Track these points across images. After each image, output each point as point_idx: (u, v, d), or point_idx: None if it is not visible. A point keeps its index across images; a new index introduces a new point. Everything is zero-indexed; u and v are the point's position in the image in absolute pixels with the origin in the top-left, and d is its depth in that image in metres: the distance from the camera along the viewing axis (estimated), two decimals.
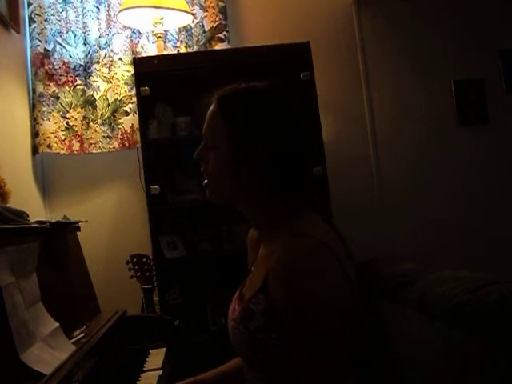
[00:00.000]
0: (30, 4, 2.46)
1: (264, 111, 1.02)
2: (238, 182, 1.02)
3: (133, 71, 2.32)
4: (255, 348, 0.97)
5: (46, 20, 2.46)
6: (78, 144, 2.46)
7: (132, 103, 2.46)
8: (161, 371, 1.49)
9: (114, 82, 2.48)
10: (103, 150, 2.47)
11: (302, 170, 1.05)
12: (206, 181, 1.07)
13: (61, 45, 2.48)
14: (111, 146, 2.47)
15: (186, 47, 2.53)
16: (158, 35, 2.39)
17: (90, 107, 2.47)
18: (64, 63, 2.47)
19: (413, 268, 1.14)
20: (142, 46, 2.53)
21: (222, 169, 1.02)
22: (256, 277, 1.04)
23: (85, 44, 2.49)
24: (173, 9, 2.32)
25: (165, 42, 2.49)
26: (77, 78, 2.48)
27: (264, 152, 1.00)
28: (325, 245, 0.92)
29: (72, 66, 2.49)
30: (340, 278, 0.93)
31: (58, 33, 2.48)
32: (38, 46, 2.43)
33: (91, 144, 2.46)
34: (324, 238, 0.93)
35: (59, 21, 2.49)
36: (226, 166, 1.02)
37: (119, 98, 2.47)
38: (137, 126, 2.40)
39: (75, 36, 2.50)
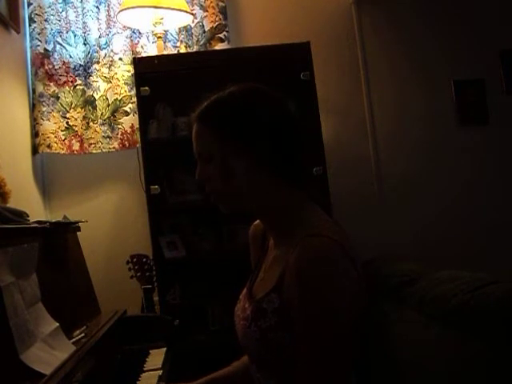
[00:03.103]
0: (29, 4, 2.46)
1: (241, 110, 1.03)
2: (240, 186, 1.03)
3: (133, 71, 2.32)
4: (265, 347, 0.97)
5: (46, 20, 2.46)
6: (78, 144, 2.46)
7: (132, 103, 2.46)
8: (161, 371, 1.48)
9: (114, 82, 2.48)
10: (103, 150, 2.47)
11: (296, 162, 1.05)
12: (214, 197, 1.07)
13: (61, 45, 2.48)
14: (111, 146, 2.47)
15: (186, 47, 2.53)
16: (158, 35, 2.39)
17: (89, 107, 2.47)
18: (64, 63, 2.47)
19: (413, 268, 1.14)
20: (142, 46, 2.53)
21: (222, 175, 1.03)
22: (269, 276, 1.04)
23: (85, 44, 2.49)
24: (173, 9, 2.32)
25: (165, 42, 2.49)
26: (77, 78, 2.48)
27: (252, 147, 1.01)
28: (340, 245, 0.92)
29: (72, 66, 2.49)
30: (353, 278, 0.94)
31: (58, 33, 2.48)
32: (38, 45, 2.43)
33: (91, 144, 2.46)
34: (338, 237, 0.93)
35: (59, 21, 2.49)
36: (224, 171, 1.02)
37: (119, 98, 2.47)
38: (137, 125, 2.40)
39: (75, 36, 2.50)
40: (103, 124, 2.47)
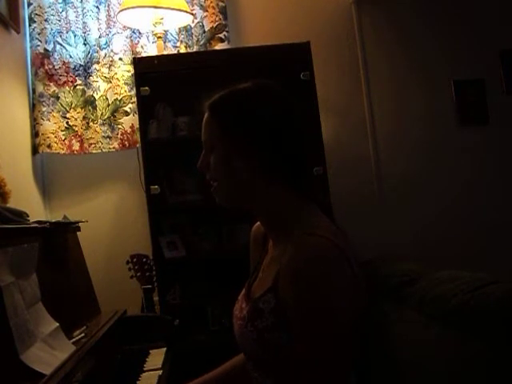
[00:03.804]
0: (30, 4, 2.46)
1: (248, 107, 1.04)
2: (238, 180, 1.03)
3: (133, 71, 2.32)
4: (262, 347, 0.97)
5: (46, 20, 2.46)
6: (78, 144, 2.46)
7: (132, 103, 2.46)
8: (161, 371, 1.48)
9: (114, 82, 2.48)
10: (103, 150, 2.47)
11: (298, 163, 1.05)
12: (212, 187, 1.07)
13: (61, 45, 2.48)
14: (111, 146, 2.47)
15: (186, 47, 2.53)
16: (158, 35, 2.39)
17: (89, 107, 2.47)
18: (64, 63, 2.47)
19: (413, 268, 1.14)
20: (142, 46, 2.53)
21: (222, 167, 1.04)
22: (266, 276, 1.04)
23: (85, 44, 2.49)
24: (173, 9, 2.32)
25: (165, 42, 2.49)
26: (77, 78, 2.48)
27: (254, 146, 1.01)
28: (335, 245, 0.92)
29: (72, 66, 2.49)
30: (349, 278, 0.94)
31: (58, 33, 2.48)
32: (38, 45, 2.43)
33: (91, 144, 2.46)
34: (334, 238, 0.93)
35: (59, 21, 2.49)
36: (224, 164, 1.03)
37: (119, 98, 2.47)
38: (137, 126, 2.40)
39: (75, 36, 2.50)
40: (103, 124, 2.47)
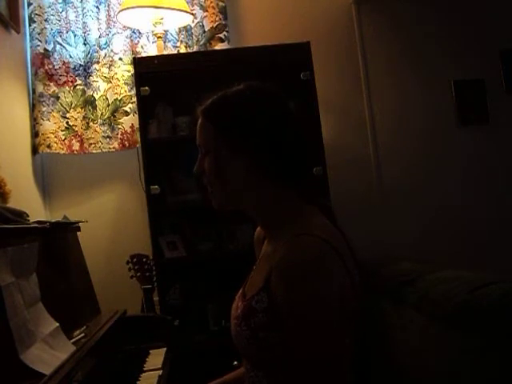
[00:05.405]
0: (30, 4, 2.46)
1: (241, 109, 1.04)
2: (234, 182, 1.03)
3: (133, 71, 2.32)
4: (257, 346, 0.97)
5: (46, 20, 2.46)
6: (78, 144, 2.46)
7: (132, 103, 2.46)
8: (161, 371, 1.49)
9: (114, 82, 2.48)
10: (103, 150, 2.47)
11: (294, 164, 1.05)
12: (210, 191, 1.07)
13: (61, 45, 2.48)
14: (111, 146, 2.47)
15: (186, 47, 2.54)
16: (158, 35, 2.39)
17: (90, 107, 2.47)
18: (64, 63, 2.47)
19: (413, 268, 1.14)
20: (142, 46, 2.53)
21: (217, 170, 1.04)
22: (258, 275, 1.04)
23: (85, 44, 2.50)
24: (173, 9, 2.32)
25: (165, 42, 2.49)
26: (77, 78, 2.49)
27: (248, 148, 1.01)
28: (328, 244, 0.92)
29: (72, 66, 2.49)
30: (342, 277, 0.94)
31: (58, 33, 2.48)
32: (38, 45, 2.43)
33: (91, 144, 2.46)
34: (328, 237, 0.93)
35: (59, 21, 2.49)
36: (219, 166, 1.03)
37: (119, 98, 2.47)
38: (137, 125, 2.40)
39: (75, 36, 2.50)
40: (103, 124, 2.47)
